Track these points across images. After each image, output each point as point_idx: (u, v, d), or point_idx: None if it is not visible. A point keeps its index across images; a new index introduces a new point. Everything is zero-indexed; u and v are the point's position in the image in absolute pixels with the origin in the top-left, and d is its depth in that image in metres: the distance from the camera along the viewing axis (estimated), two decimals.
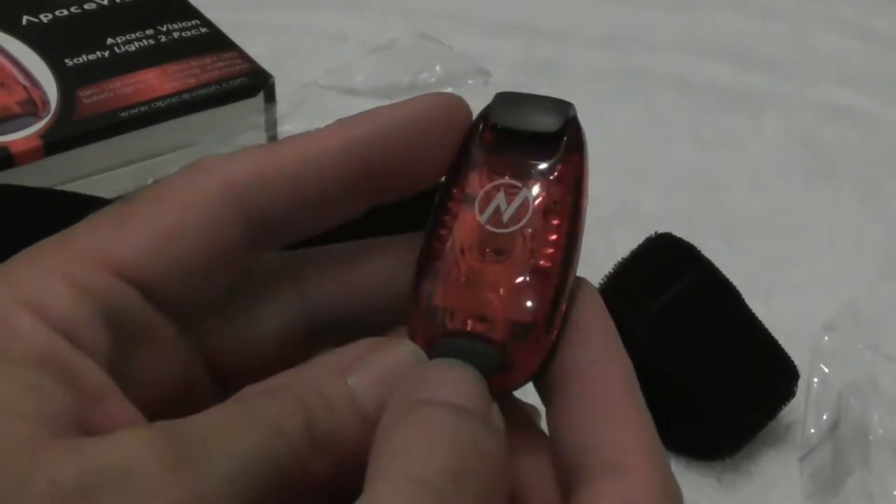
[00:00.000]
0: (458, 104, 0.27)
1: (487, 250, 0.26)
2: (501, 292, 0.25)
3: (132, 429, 0.21)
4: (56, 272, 0.23)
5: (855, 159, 0.60)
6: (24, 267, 0.23)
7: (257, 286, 0.27)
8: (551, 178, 0.26)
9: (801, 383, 0.43)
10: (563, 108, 0.27)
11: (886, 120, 0.62)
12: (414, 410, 0.23)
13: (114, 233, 0.24)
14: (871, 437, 0.41)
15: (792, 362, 0.43)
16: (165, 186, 0.24)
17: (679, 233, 0.44)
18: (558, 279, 0.25)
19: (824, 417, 0.43)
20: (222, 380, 0.26)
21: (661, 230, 0.44)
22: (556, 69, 0.65)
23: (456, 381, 0.24)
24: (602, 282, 0.42)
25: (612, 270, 0.43)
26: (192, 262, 0.24)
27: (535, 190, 0.26)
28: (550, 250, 0.26)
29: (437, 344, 0.25)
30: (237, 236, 0.24)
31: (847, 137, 0.61)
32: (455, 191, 0.26)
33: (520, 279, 0.26)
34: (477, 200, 0.26)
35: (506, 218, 0.26)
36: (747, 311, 0.43)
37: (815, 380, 0.44)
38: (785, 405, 0.43)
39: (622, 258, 0.43)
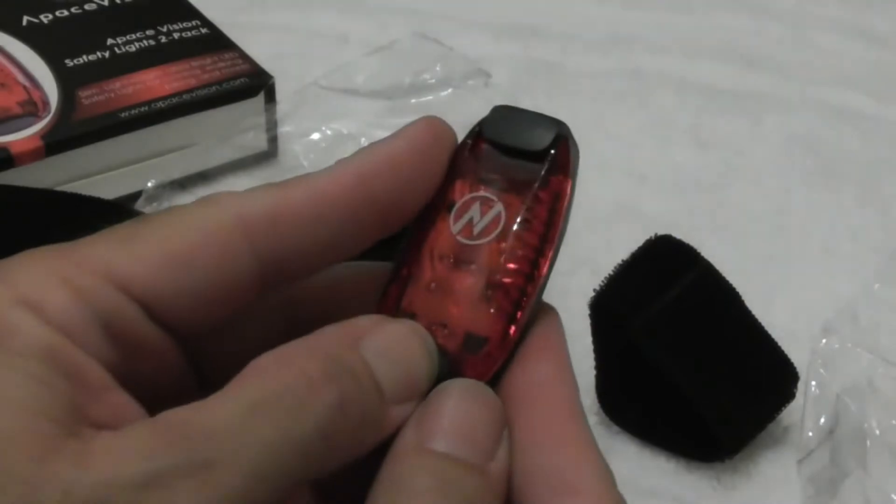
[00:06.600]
0: (445, 127, 0.27)
1: (455, 260, 0.26)
2: (461, 303, 0.26)
3: (144, 429, 0.21)
4: (55, 276, 0.23)
5: (855, 159, 0.60)
6: (23, 268, 0.23)
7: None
8: (529, 195, 0.26)
9: (800, 385, 0.43)
10: (555, 127, 0.26)
11: (886, 120, 0.62)
12: (419, 458, 0.23)
13: (121, 248, 0.24)
14: (868, 440, 0.41)
15: (792, 364, 0.42)
16: (178, 213, 0.25)
17: (679, 233, 0.44)
18: (518, 296, 0.25)
19: (822, 420, 0.43)
20: (214, 386, 0.26)
21: (661, 231, 0.44)
22: (556, 69, 0.65)
23: (462, 424, 0.24)
24: (602, 283, 0.42)
25: (612, 272, 0.43)
26: (197, 288, 0.24)
27: (510, 205, 0.26)
28: (514, 266, 0.26)
29: None
30: (246, 272, 0.25)
31: (847, 138, 0.61)
32: (437, 199, 0.27)
33: (481, 292, 0.26)
34: (454, 210, 0.26)
35: (476, 230, 0.26)
36: (747, 313, 0.43)
37: (814, 382, 0.44)
38: (784, 407, 0.42)
39: (622, 260, 0.43)
